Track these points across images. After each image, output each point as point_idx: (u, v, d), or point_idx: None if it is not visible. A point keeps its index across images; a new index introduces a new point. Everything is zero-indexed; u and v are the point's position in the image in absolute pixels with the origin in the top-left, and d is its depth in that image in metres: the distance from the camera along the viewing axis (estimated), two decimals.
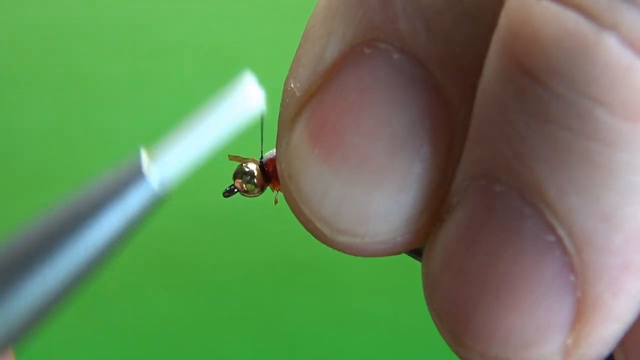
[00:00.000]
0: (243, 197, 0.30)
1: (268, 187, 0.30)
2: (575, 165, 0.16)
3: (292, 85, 0.21)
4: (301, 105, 0.20)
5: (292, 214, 0.22)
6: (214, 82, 1.12)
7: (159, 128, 1.10)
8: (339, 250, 0.20)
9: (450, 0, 0.18)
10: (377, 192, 0.19)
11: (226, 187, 0.30)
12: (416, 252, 0.23)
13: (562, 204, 0.17)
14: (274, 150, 0.29)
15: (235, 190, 0.30)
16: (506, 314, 0.17)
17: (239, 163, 0.30)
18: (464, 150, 0.19)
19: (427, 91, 0.19)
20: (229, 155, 0.30)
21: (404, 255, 0.33)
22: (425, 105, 0.19)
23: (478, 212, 0.18)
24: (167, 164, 0.20)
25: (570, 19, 0.16)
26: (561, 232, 0.17)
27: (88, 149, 1.04)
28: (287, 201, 0.23)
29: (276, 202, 0.29)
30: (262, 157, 0.29)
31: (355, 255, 0.20)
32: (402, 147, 0.19)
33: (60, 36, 1.11)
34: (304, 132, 0.20)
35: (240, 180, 0.29)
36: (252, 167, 0.29)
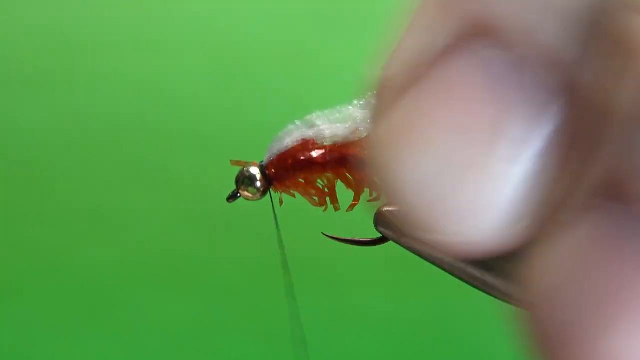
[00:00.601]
0: (245, 200, 0.30)
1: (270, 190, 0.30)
2: None
3: (390, 72, 0.19)
4: (399, 94, 0.19)
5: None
6: (215, 82, 1.12)
7: (159, 127, 1.09)
8: (433, 245, 0.19)
9: (568, 2, 0.17)
10: (476, 189, 0.18)
11: (229, 192, 0.30)
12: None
13: None
14: (273, 152, 0.29)
15: (238, 195, 0.30)
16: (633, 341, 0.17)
17: (240, 168, 0.30)
18: (588, 164, 0.18)
19: (541, 93, 0.18)
20: (231, 160, 0.30)
21: (405, 254, 0.33)
22: (537, 107, 0.18)
23: (608, 233, 0.17)
24: None
25: None
26: None
27: (88, 149, 1.04)
28: (376, 188, 0.21)
29: (281, 203, 0.30)
30: (262, 161, 0.29)
31: (451, 253, 0.19)
32: (505, 147, 0.18)
33: (60, 36, 1.11)
34: (403, 121, 0.19)
35: (242, 185, 0.29)
36: (254, 171, 0.29)
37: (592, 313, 0.17)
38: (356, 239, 0.33)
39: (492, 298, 0.29)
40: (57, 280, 0.93)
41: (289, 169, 0.29)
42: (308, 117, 0.30)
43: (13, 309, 0.91)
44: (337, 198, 0.32)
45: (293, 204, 0.35)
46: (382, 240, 0.32)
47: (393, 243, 0.32)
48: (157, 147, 1.02)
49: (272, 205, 0.30)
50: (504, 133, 0.18)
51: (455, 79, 0.18)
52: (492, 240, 0.19)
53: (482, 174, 0.18)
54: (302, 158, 0.29)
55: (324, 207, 0.32)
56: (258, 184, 0.29)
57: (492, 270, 0.27)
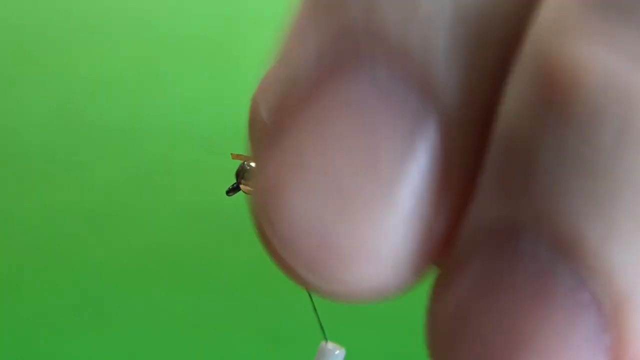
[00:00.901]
0: (246, 195, 0.30)
1: None
2: (618, 219, 0.15)
3: (262, 107, 0.17)
4: (275, 133, 0.17)
5: None
6: (215, 81, 1.12)
7: (159, 127, 1.10)
8: (324, 296, 0.17)
9: (451, 13, 0.16)
10: (364, 231, 0.17)
11: (229, 185, 0.30)
12: None
13: (602, 259, 0.15)
14: None
15: (239, 188, 0.30)
16: None
17: (241, 161, 0.30)
18: (475, 195, 0.17)
19: (420, 118, 0.16)
20: (232, 154, 0.30)
21: None
22: (420, 134, 0.16)
23: (498, 269, 0.16)
24: None
25: (614, 66, 0.15)
26: (598, 290, 0.15)
27: (88, 149, 1.04)
28: (261, 243, 0.19)
29: None
30: None
31: (344, 300, 0.17)
32: (391, 181, 0.16)
33: (60, 35, 1.12)
34: (281, 163, 0.18)
35: (243, 179, 0.29)
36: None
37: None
38: None
39: None
40: (57, 280, 0.93)
41: None
42: None
43: (13, 308, 0.91)
44: None
45: None
46: None
47: None
48: (157, 147, 1.02)
49: None
50: (378, 165, 0.16)
51: (326, 113, 0.17)
52: (384, 281, 0.17)
53: (361, 210, 0.17)
54: None
55: None
56: None
57: None
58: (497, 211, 0.16)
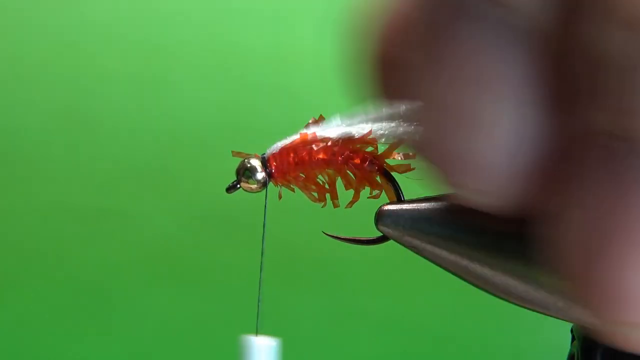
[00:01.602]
0: (246, 193, 0.30)
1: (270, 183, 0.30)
2: None
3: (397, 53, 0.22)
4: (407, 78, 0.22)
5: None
6: (215, 82, 1.12)
7: (160, 127, 1.09)
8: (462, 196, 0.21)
9: None
10: (480, 147, 0.20)
11: (229, 183, 0.30)
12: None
13: None
14: (276, 145, 0.29)
15: (238, 186, 0.30)
16: None
17: (241, 159, 0.30)
18: (574, 109, 0.19)
19: (517, 49, 0.19)
20: (232, 151, 0.30)
21: (406, 253, 0.33)
22: (518, 65, 0.19)
23: (617, 167, 0.18)
24: None
25: None
26: None
27: (89, 149, 1.04)
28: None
29: (280, 197, 0.30)
30: (264, 153, 0.30)
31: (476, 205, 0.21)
32: (492, 100, 0.19)
33: (63, 35, 1.12)
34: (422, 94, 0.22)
35: (243, 176, 0.30)
36: (255, 162, 0.29)
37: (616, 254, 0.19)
38: (357, 238, 0.33)
39: (494, 297, 0.29)
40: (57, 279, 0.93)
41: (291, 163, 0.29)
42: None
43: (13, 308, 0.91)
44: (337, 194, 0.32)
45: (294, 204, 0.35)
46: (382, 239, 0.32)
47: (394, 242, 0.31)
48: (157, 146, 1.02)
49: (266, 197, 0.30)
50: (491, 90, 0.20)
51: (459, 46, 0.20)
52: (503, 190, 0.20)
53: (478, 124, 0.20)
54: (304, 152, 0.29)
55: (323, 203, 0.32)
56: (258, 175, 0.29)
57: (495, 267, 0.27)
58: (605, 122, 0.18)
